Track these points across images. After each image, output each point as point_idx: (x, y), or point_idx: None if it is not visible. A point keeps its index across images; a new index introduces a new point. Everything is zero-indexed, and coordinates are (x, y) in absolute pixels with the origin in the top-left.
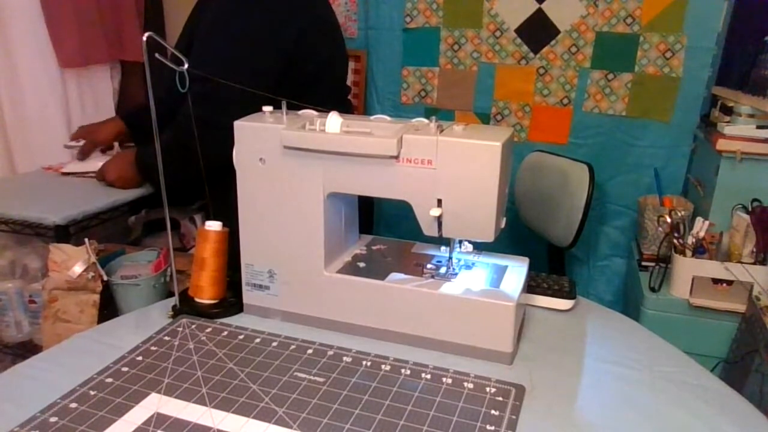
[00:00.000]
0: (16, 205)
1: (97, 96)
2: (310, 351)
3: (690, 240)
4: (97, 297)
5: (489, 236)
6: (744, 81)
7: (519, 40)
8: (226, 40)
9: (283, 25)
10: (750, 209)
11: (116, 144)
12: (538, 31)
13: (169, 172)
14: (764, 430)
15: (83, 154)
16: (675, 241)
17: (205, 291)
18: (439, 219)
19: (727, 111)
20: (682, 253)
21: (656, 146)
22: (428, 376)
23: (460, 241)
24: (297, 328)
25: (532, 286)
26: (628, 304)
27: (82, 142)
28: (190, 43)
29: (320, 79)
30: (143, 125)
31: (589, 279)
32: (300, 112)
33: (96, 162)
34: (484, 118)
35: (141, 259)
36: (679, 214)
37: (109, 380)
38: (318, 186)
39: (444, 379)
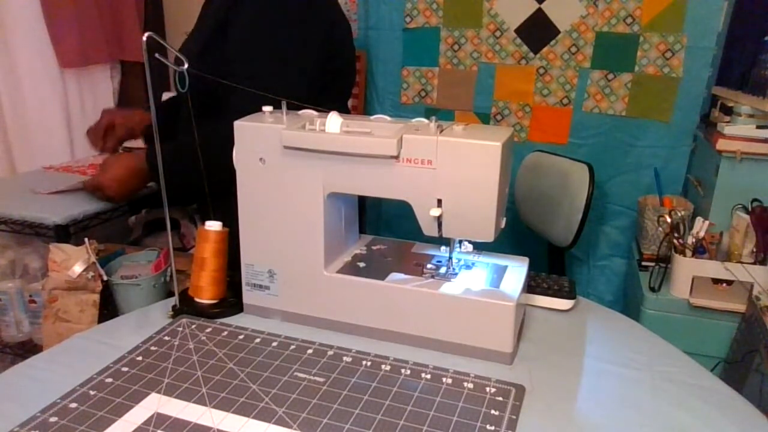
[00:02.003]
0: (16, 205)
1: (97, 96)
2: (310, 351)
3: (690, 240)
4: (97, 297)
5: (489, 236)
6: (744, 81)
7: (519, 40)
8: (270, 39)
9: (317, 17)
10: (750, 209)
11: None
12: (538, 31)
13: (197, 170)
14: (764, 430)
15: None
16: (675, 241)
17: (205, 291)
18: (439, 219)
19: (727, 111)
20: (682, 253)
21: (656, 146)
22: (428, 376)
23: (460, 241)
24: (297, 328)
25: (532, 286)
26: (628, 304)
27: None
28: (208, 42)
29: (345, 76)
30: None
31: (589, 279)
32: (300, 112)
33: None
34: (484, 118)
35: (141, 259)
36: (679, 214)
37: (109, 380)
38: (318, 186)
39: (444, 379)
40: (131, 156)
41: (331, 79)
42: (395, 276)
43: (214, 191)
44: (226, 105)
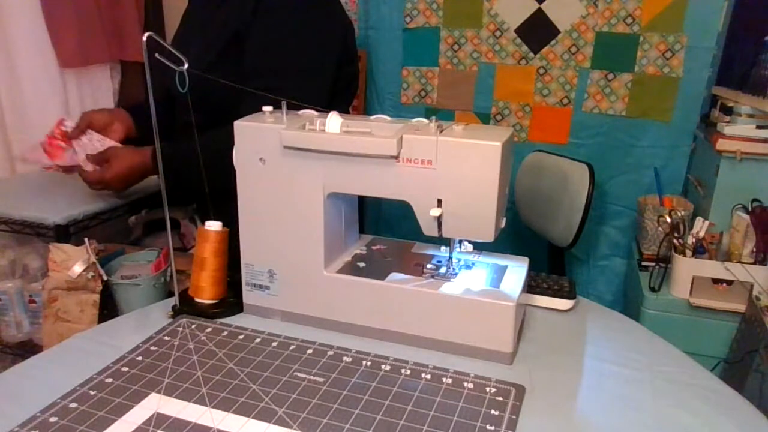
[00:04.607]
0: (16, 205)
1: (97, 96)
2: (310, 351)
3: (690, 240)
4: (97, 297)
5: (489, 236)
6: (744, 81)
7: (519, 40)
8: (292, 51)
9: (335, 24)
10: (750, 209)
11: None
12: (538, 31)
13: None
14: (764, 430)
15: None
16: (675, 241)
17: (205, 291)
18: (439, 219)
19: (727, 111)
20: (682, 253)
21: (656, 146)
22: (428, 376)
23: (460, 241)
24: (297, 328)
25: (532, 286)
26: (628, 304)
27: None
28: (221, 53)
29: (354, 80)
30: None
31: (589, 279)
32: (300, 112)
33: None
34: (484, 118)
35: (141, 259)
36: (679, 214)
37: (109, 380)
38: (318, 186)
39: (444, 379)
40: (134, 153)
41: (344, 85)
42: (395, 276)
43: (217, 192)
44: (237, 117)
